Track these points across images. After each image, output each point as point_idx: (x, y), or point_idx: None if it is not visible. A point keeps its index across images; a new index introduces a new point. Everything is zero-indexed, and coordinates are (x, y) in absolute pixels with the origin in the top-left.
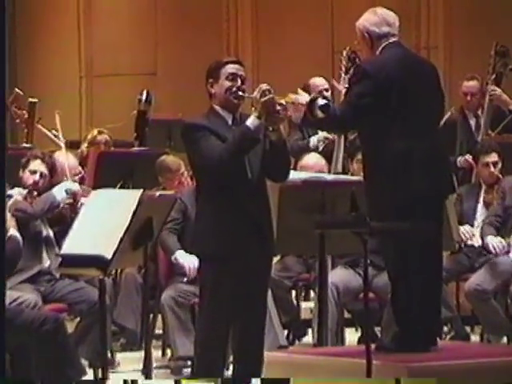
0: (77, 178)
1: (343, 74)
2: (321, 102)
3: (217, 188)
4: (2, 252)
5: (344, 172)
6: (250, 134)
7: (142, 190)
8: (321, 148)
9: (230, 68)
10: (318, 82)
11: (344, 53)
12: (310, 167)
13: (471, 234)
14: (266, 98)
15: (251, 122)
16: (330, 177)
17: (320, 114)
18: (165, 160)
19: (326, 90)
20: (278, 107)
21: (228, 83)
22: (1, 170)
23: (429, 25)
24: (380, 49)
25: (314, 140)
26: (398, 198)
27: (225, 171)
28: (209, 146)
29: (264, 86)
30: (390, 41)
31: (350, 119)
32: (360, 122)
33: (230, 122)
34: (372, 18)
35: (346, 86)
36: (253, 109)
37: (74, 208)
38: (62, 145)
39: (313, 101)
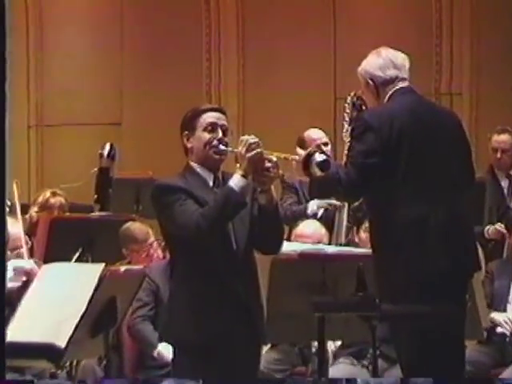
0: (23, 249)
1: (347, 125)
2: (318, 157)
3: (195, 262)
4: (2, 252)
5: (348, 243)
6: (235, 196)
7: (103, 265)
8: (320, 214)
9: (209, 117)
10: (315, 134)
11: (348, 99)
12: (308, 237)
13: None
14: (253, 152)
15: (236, 182)
16: (332, 249)
17: (318, 171)
18: (131, 228)
19: (325, 144)
20: (268, 164)
21: (207, 135)
22: (1, 170)
23: (452, 67)
24: (387, 96)
25: (312, 206)
26: (413, 276)
27: (204, 242)
28: (185, 211)
29: (251, 139)
30: (399, 86)
31: (358, 183)
32: (369, 185)
33: (210, 183)
34: (375, 61)
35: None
36: (237, 166)
37: (22, 290)
38: (19, 216)
39: (309, 156)
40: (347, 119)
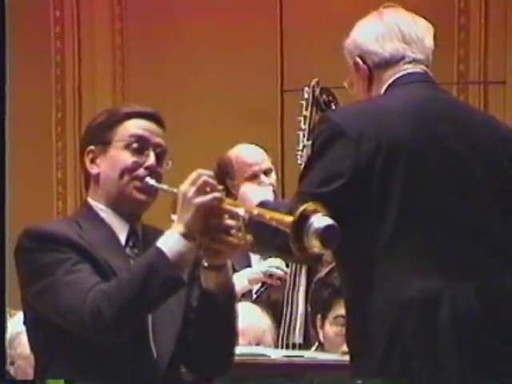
0: None
1: (303, 137)
2: (318, 222)
3: (83, 376)
4: (2, 251)
5: (306, 344)
6: (166, 267)
7: None
8: (256, 292)
9: (136, 126)
10: (250, 156)
11: (306, 92)
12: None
13: None
14: (207, 198)
15: (170, 243)
16: (279, 354)
17: (317, 246)
18: None
19: (266, 173)
20: (230, 221)
21: (128, 157)
22: (1, 170)
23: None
24: (385, 86)
25: (241, 280)
26: None
27: (104, 342)
28: (75, 283)
29: (205, 174)
30: (407, 71)
31: None
32: None
33: (121, 239)
34: (372, 29)
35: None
36: (173, 218)
37: None
38: None
39: (302, 219)
40: (304, 126)
